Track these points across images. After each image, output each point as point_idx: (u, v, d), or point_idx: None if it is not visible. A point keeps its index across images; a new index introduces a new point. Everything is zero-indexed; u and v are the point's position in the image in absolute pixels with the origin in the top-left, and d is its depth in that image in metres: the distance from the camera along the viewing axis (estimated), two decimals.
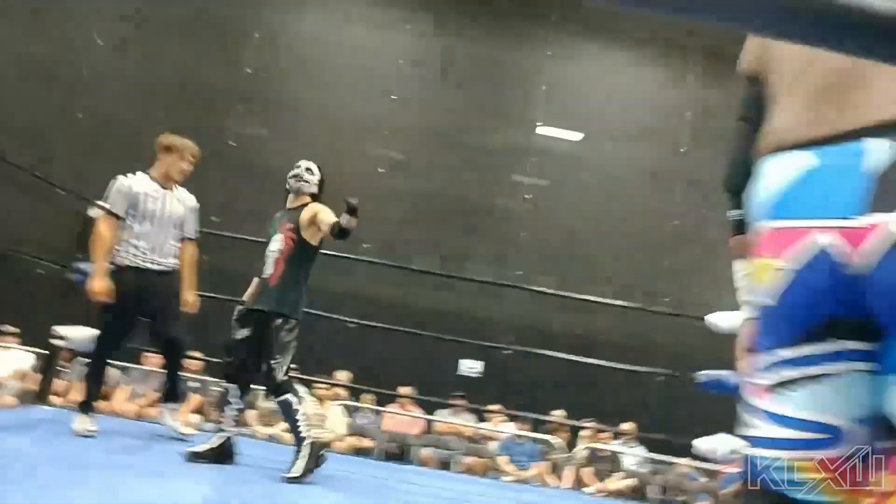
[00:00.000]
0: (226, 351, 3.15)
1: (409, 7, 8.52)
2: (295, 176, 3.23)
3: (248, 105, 8.05)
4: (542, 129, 8.46)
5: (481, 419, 6.54)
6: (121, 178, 3.35)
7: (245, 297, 3.25)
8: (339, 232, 2.94)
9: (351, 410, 6.13)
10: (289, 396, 2.94)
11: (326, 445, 3.34)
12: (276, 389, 2.97)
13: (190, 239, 3.54)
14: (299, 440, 2.89)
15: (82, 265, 2.79)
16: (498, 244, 8.23)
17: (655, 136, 8.46)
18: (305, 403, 3.01)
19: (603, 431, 5.99)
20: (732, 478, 5.90)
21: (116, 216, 3.26)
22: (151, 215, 3.32)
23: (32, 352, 5.59)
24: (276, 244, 3.13)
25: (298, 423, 2.90)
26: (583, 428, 6.12)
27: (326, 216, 3.07)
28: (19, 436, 2.93)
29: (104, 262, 3.21)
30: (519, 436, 5.96)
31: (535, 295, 7.51)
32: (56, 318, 4.09)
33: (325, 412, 5.69)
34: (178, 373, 3.53)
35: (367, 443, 6.06)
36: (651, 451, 6.09)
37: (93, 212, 3.53)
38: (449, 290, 7.65)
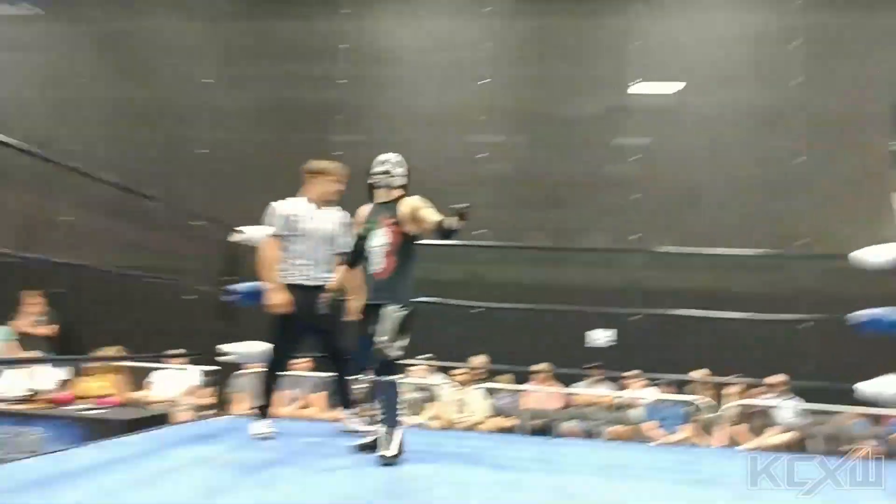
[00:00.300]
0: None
1: None
2: (385, 172, 3.28)
3: (344, 115, 8.33)
4: (637, 87, 8.19)
5: (620, 387, 6.50)
6: (275, 203, 3.64)
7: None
8: (441, 232, 2.92)
9: (491, 393, 6.28)
10: (395, 378, 3.06)
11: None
12: (384, 367, 3.04)
13: (344, 252, 3.71)
14: (394, 423, 2.97)
15: (236, 287, 3.08)
16: (611, 211, 8.08)
17: (761, 72, 7.97)
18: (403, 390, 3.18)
19: (753, 387, 5.78)
20: None
21: (278, 237, 3.57)
22: (309, 234, 3.60)
23: (200, 369, 6.15)
24: (381, 238, 3.18)
25: (398, 407, 3.03)
26: (728, 384, 5.95)
27: (428, 214, 3.07)
28: (215, 443, 3.27)
29: (276, 278, 3.51)
30: (662, 399, 5.87)
31: (658, 256, 7.34)
32: (216, 336, 4.50)
33: (465, 397, 5.87)
34: (348, 379, 3.70)
35: (509, 422, 6.19)
36: (808, 402, 5.82)
37: (235, 237, 3.84)
38: (568, 265, 7.62)
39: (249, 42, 8.63)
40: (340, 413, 3.76)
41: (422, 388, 6.00)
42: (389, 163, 3.29)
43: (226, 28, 8.73)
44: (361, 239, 3.28)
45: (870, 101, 7.37)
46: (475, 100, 8.20)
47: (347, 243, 3.67)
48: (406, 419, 2.97)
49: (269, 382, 3.61)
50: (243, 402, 5.47)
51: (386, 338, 2.99)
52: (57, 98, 8.30)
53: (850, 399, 5.43)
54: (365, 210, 3.36)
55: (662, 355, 7.02)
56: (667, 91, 8.19)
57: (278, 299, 3.48)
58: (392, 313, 3.03)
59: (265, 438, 3.45)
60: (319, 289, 3.57)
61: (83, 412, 4.88)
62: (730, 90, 7.94)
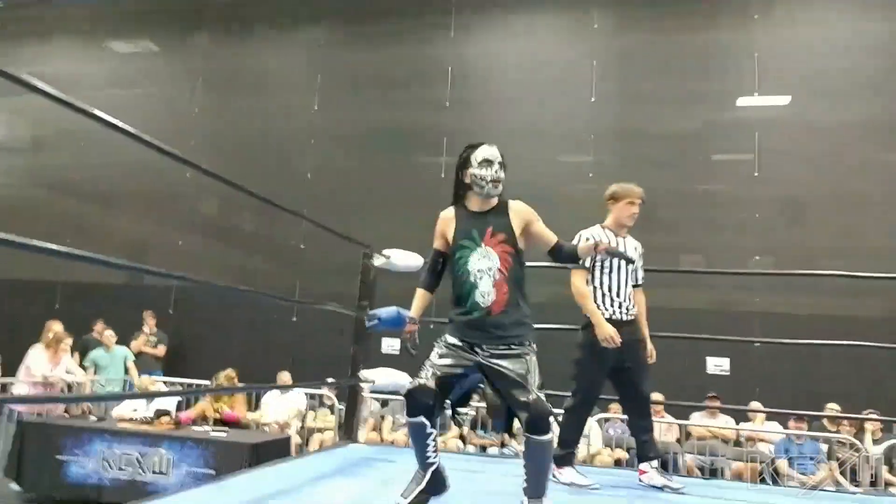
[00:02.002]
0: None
1: (586, 7, 8.38)
2: (496, 180, 2.45)
3: (451, 137, 8.28)
4: (744, 101, 7.82)
5: (740, 419, 6.13)
6: (582, 232, 3.32)
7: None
8: (558, 255, 2.55)
9: (602, 423, 6.03)
10: (551, 437, 2.40)
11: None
12: (542, 423, 2.32)
13: (639, 285, 3.45)
14: (544, 491, 2.36)
15: (378, 311, 2.91)
16: (726, 230, 7.71)
17: (876, 83, 7.44)
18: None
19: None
20: None
21: (586, 269, 3.30)
22: (617, 266, 3.30)
23: (305, 392, 6.21)
24: (488, 261, 2.42)
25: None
26: (867, 420, 5.49)
27: (545, 231, 2.55)
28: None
29: (595, 311, 3.22)
30: (797, 435, 5.46)
31: (777, 279, 6.92)
32: (337, 361, 4.46)
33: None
34: (645, 426, 3.34)
35: (621, 453, 5.93)
36: None
37: (378, 262, 3.78)
38: (680, 287, 7.28)
39: (358, 71, 8.80)
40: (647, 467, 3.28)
41: None
42: (499, 160, 2.47)
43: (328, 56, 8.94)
44: (441, 256, 2.58)
45: None
46: (584, 118, 8.06)
47: (642, 276, 3.48)
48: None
49: (580, 425, 3.36)
50: (368, 429, 5.48)
51: (537, 388, 2.35)
52: (169, 129, 8.67)
53: None
54: (449, 218, 2.54)
55: (784, 386, 6.61)
56: (778, 103, 7.77)
57: (607, 333, 3.14)
58: (532, 358, 2.38)
59: (590, 488, 3.14)
60: (631, 324, 3.29)
61: (208, 434, 4.96)
62: (844, 102, 7.45)
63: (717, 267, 7.03)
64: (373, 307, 3.62)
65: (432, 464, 2.43)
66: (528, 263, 2.52)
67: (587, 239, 3.09)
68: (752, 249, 7.48)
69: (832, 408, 5.71)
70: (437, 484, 2.46)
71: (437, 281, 2.65)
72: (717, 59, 7.93)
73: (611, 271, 3.29)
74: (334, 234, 3.88)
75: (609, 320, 3.19)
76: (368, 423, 6.22)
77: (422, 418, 2.39)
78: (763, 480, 5.31)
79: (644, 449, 3.30)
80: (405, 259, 3.75)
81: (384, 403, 6.44)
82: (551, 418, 2.31)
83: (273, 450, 4.79)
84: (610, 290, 3.28)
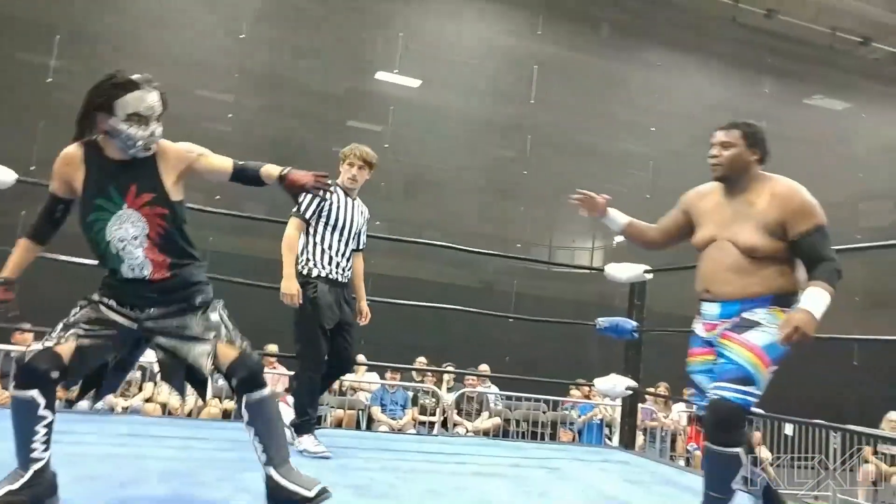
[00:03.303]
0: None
1: None
2: (149, 142, 1.91)
3: (68, 36, 6.92)
4: (383, 75, 8.31)
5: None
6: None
7: None
8: (242, 179, 2.11)
9: None
10: None
11: None
12: None
13: (360, 250, 3.29)
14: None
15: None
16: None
17: (496, 87, 8.71)
18: None
19: (473, 375, 6.32)
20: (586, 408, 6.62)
21: (305, 220, 3.08)
22: (342, 226, 3.11)
23: None
24: (134, 228, 1.94)
25: None
26: (446, 372, 6.43)
27: (213, 163, 2.09)
28: None
29: (290, 263, 3.00)
30: (391, 385, 6.11)
31: (391, 244, 7.58)
32: None
33: None
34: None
35: (230, 404, 5.84)
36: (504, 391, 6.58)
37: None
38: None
39: None
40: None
41: None
42: (158, 112, 1.92)
43: None
44: (62, 203, 1.99)
45: (589, 117, 8.60)
46: (228, 55, 7.53)
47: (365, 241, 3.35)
48: None
49: (313, 389, 3.08)
50: None
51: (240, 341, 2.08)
52: None
53: (541, 389, 6.39)
54: (75, 162, 1.94)
55: (386, 342, 7.32)
56: (413, 85, 8.47)
57: (290, 290, 2.92)
58: (219, 310, 2.06)
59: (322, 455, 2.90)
60: (346, 286, 3.17)
61: None
62: (470, 96, 8.54)
63: None
64: None
65: (39, 461, 1.77)
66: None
67: (312, 196, 2.97)
68: (373, 215, 8.04)
69: (421, 361, 6.54)
70: (41, 490, 1.79)
71: (52, 231, 2.01)
72: (368, 29, 8.25)
73: (334, 230, 3.07)
74: None
75: (325, 279, 3.01)
76: None
77: (34, 393, 1.75)
78: (358, 425, 5.84)
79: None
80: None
81: None
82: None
83: None
84: (330, 248, 3.07)
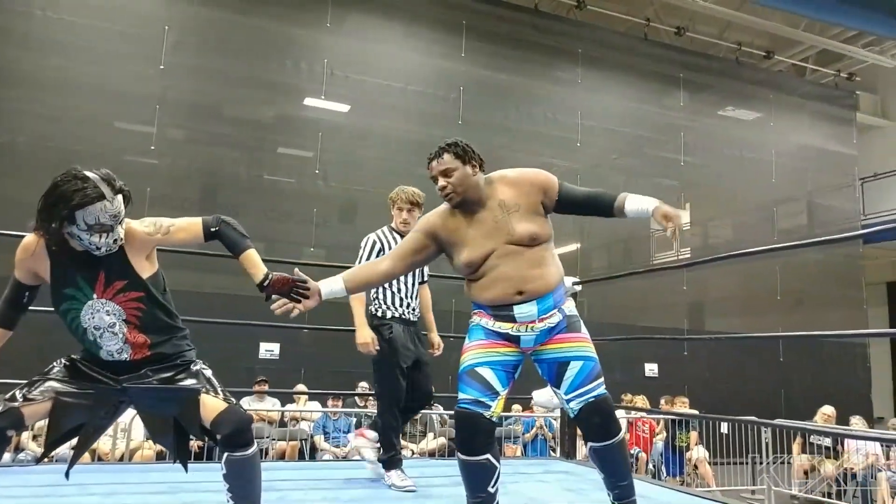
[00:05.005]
0: None
1: None
2: (114, 240, 1.86)
3: None
4: (311, 101, 8.28)
5: (286, 402, 6.45)
6: (369, 235, 3.28)
7: None
8: (222, 239, 2.07)
9: None
10: None
11: None
12: None
13: (425, 282, 3.37)
14: None
15: None
16: (288, 221, 8.00)
17: (420, 107, 8.79)
18: None
19: None
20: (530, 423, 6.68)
21: None
22: None
23: None
24: (108, 317, 1.91)
25: None
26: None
27: (183, 228, 2.04)
28: None
29: (358, 314, 3.11)
30: (334, 412, 6.02)
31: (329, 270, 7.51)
32: None
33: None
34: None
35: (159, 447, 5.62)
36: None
37: None
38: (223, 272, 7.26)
39: None
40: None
41: None
42: (119, 215, 1.84)
43: None
44: (28, 289, 1.97)
45: (516, 135, 8.78)
46: (145, 85, 7.34)
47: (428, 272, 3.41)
48: None
49: (396, 426, 3.18)
50: None
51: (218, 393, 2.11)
52: None
53: None
54: (35, 253, 1.90)
55: (325, 369, 7.22)
56: (340, 109, 8.45)
57: (365, 338, 3.07)
58: (204, 369, 2.06)
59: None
60: (416, 323, 3.30)
61: None
62: (398, 121, 8.59)
63: (277, 256, 7.28)
64: None
65: None
66: None
67: (373, 242, 3.16)
68: (309, 241, 7.97)
69: (362, 386, 6.47)
70: None
71: (19, 315, 1.95)
72: (293, 55, 8.21)
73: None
74: None
75: (398, 319, 3.13)
76: None
77: None
78: (301, 455, 5.71)
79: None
80: None
81: None
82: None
83: None
84: (399, 290, 3.16)
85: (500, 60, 9.19)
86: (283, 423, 6.00)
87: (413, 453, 5.95)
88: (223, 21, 7.82)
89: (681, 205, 10.80)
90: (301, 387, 6.67)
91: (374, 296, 3.18)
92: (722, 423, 7.43)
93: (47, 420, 1.81)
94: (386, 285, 3.12)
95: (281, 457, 5.62)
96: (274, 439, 5.76)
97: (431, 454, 5.89)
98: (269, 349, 7.34)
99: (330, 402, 6.20)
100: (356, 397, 6.42)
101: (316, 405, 6.42)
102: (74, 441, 1.97)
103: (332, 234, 8.10)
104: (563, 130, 9.50)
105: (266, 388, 6.28)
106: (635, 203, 2.07)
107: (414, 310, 3.21)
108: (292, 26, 8.18)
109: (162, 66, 7.38)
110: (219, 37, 7.78)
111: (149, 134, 7.32)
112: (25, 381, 1.84)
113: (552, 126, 9.50)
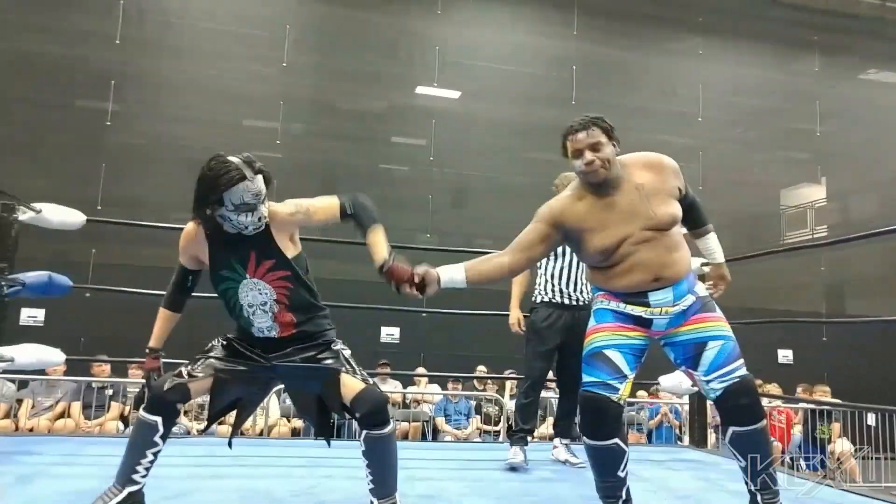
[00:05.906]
0: None
1: None
2: (258, 223, 1.99)
3: (121, 80, 7.25)
4: (423, 90, 8.38)
5: (407, 384, 6.64)
6: None
7: None
8: (353, 219, 2.15)
9: (280, 394, 5.96)
10: None
11: None
12: None
13: None
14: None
15: (23, 276, 2.35)
16: (403, 209, 8.19)
17: (529, 91, 8.65)
18: None
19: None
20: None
21: None
22: (562, 251, 3.23)
23: None
24: (261, 295, 2.07)
25: None
26: (507, 379, 6.41)
27: (320, 209, 2.13)
28: None
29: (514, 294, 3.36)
30: (453, 395, 6.12)
31: (444, 255, 7.64)
32: None
33: None
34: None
35: (298, 423, 5.96)
36: None
37: (21, 215, 3.13)
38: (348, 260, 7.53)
39: None
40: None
41: None
42: (262, 196, 1.96)
43: None
44: (191, 273, 2.16)
45: (632, 113, 8.50)
46: (271, 83, 7.76)
47: None
48: None
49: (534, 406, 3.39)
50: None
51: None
52: None
53: None
54: (196, 239, 2.07)
55: (443, 353, 7.36)
56: (451, 96, 8.52)
57: (513, 318, 3.33)
58: (344, 349, 2.15)
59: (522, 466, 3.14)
60: (573, 308, 3.29)
61: None
62: (506, 102, 8.53)
63: (393, 243, 7.47)
64: (13, 270, 2.98)
65: (136, 484, 1.90)
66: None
67: None
68: (425, 228, 8.13)
69: (481, 370, 6.53)
70: None
71: (185, 299, 2.15)
72: (404, 45, 8.37)
73: (555, 260, 3.24)
74: None
75: (547, 304, 3.21)
76: (1, 408, 5.23)
77: (158, 420, 1.90)
78: (423, 436, 5.86)
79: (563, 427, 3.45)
80: (60, 214, 3.13)
81: (23, 385, 5.43)
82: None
83: None
84: (553, 277, 3.24)
85: (614, 36, 8.89)
86: (405, 405, 6.19)
87: (533, 437, 5.93)
88: (338, 17, 8.10)
89: (816, 179, 10.02)
90: (421, 370, 6.83)
91: (536, 284, 3.29)
92: (868, 414, 6.84)
93: (208, 395, 1.98)
94: (541, 273, 3.24)
95: (404, 437, 5.80)
96: (397, 420, 5.94)
97: (551, 438, 5.84)
98: (389, 333, 7.57)
99: (450, 385, 6.31)
100: (475, 381, 6.49)
101: (436, 388, 6.56)
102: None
103: (446, 220, 8.21)
104: (683, 105, 9.06)
105: (388, 370, 6.49)
106: (712, 242, 2.22)
107: (571, 294, 3.21)
108: (404, 17, 8.32)
109: (284, 64, 7.75)
110: (334, 32, 8.06)
111: (274, 130, 7.74)
112: (188, 360, 2.02)
113: (671, 101, 9.09)
